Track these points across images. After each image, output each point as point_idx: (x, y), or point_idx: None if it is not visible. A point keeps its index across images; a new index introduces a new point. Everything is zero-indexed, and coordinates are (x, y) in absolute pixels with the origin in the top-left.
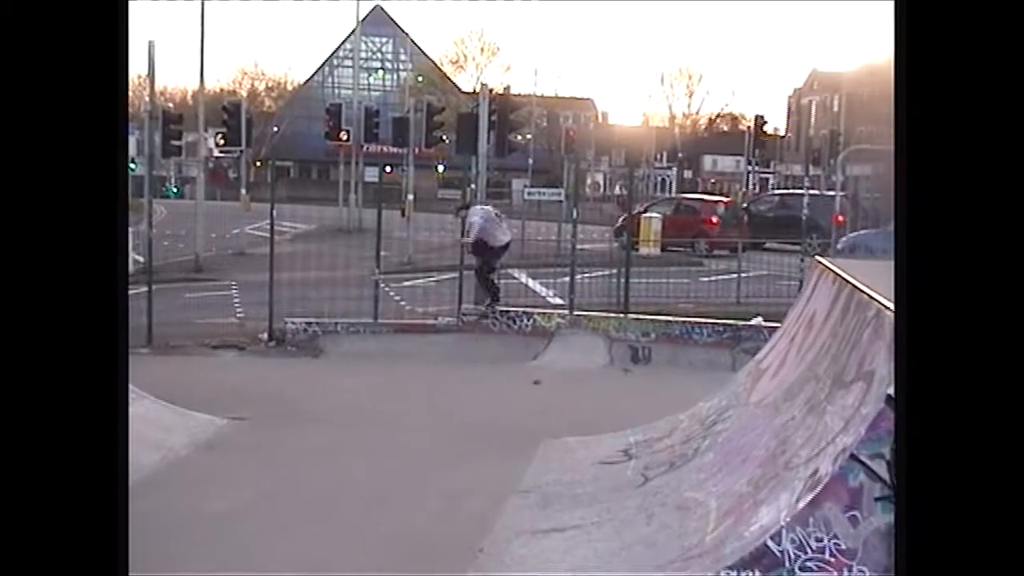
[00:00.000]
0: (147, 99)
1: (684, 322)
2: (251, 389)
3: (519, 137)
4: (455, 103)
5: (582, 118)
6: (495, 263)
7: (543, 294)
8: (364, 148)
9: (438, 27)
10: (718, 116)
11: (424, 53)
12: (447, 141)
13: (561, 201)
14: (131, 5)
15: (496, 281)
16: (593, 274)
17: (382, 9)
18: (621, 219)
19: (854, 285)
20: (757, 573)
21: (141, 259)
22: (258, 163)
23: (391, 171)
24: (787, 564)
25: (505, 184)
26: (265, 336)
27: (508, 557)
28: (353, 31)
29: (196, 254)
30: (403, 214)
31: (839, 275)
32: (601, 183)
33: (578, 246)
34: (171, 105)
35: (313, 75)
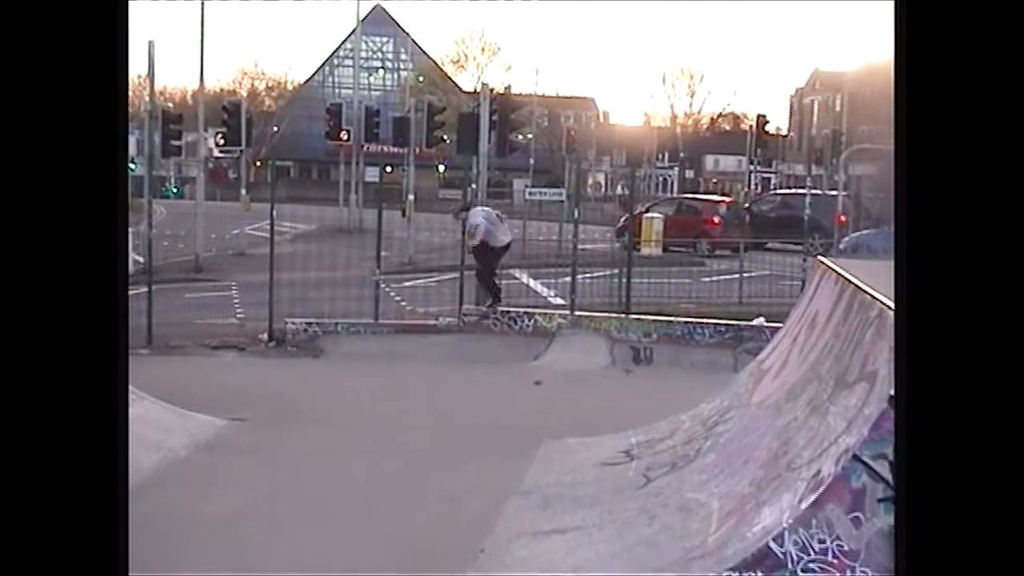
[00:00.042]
0: (147, 99)
1: (686, 322)
2: (251, 390)
3: (520, 137)
4: (456, 103)
5: (583, 118)
6: (496, 264)
7: (544, 294)
8: (365, 148)
9: (439, 26)
10: (720, 115)
11: (425, 53)
12: (448, 141)
13: (562, 201)
14: (131, 5)
15: (497, 282)
16: (595, 274)
17: (383, 8)
18: (623, 219)
19: (857, 285)
20: (759, 574)
21: (141, 259)
22: (258, 163)
23: (392, 171)
24: (790, 565)
25: (506, 184)
26: (265, 336)
27: (509, 558)
28: (354, 30)
29: (196, 254)
30: (404, 214)
31: (841, 275)
32: (603, 183)
33: (579, 246)
34: (171, 105)
35: (313, 75)
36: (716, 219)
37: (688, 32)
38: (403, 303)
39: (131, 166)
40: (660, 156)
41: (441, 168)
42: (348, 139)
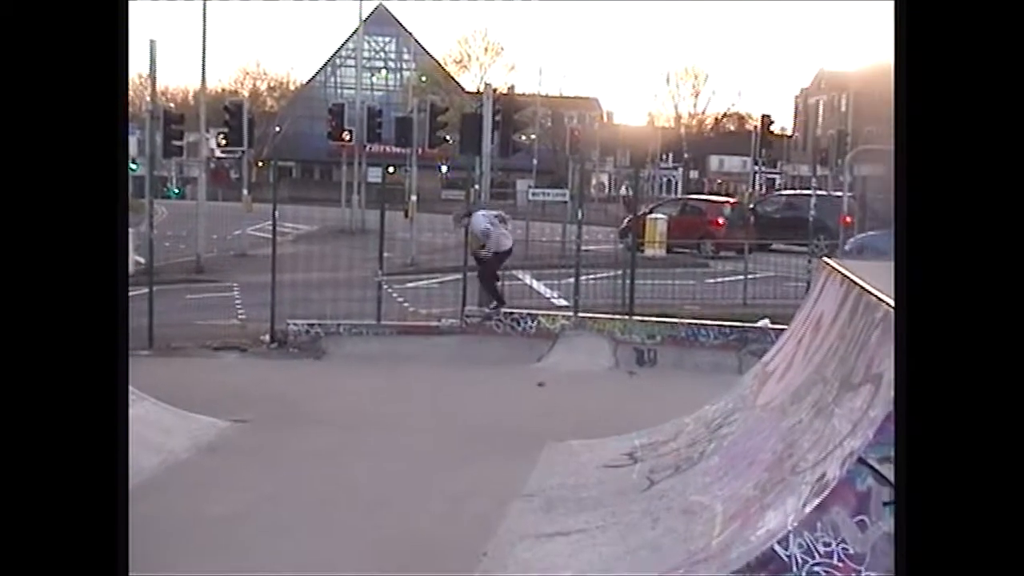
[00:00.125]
0: (148, 99)
1: (690, 324)
2: (253, 391)
3: (523, 137)
4: (459, 103)
5: (587, 118)
6: (499, 267)
7: (547, 296)
8: (367, 148)
9: (441, 26)
10: (724, 116)
11: (427, 52)
12: (451, 141)
13: (566, 202)
14: (131, 5)
15: (500, 286)
16: (598, 275)
17: (385, 8)
18: (626, 220)
19: (862, 287)
20: None
21: (142, 260)
22: (260, 163)
23: (394, 172)
24: (794, 569)
25: (509, 185)
26: (267, 338)
27: (512, 561)
28: (356, 30)
29: (197, 255)
30: (406, 215)
31: (847, 276)
32: (606, 184)
33: (583, 247)
34: (172, 105)
35: (316, 75)
36: (720, 220)
37: (692, 32)
38: (405, 304)
39: (132, 166)
40: (664, 156)
41: (444, 169)
42: (350, 139)
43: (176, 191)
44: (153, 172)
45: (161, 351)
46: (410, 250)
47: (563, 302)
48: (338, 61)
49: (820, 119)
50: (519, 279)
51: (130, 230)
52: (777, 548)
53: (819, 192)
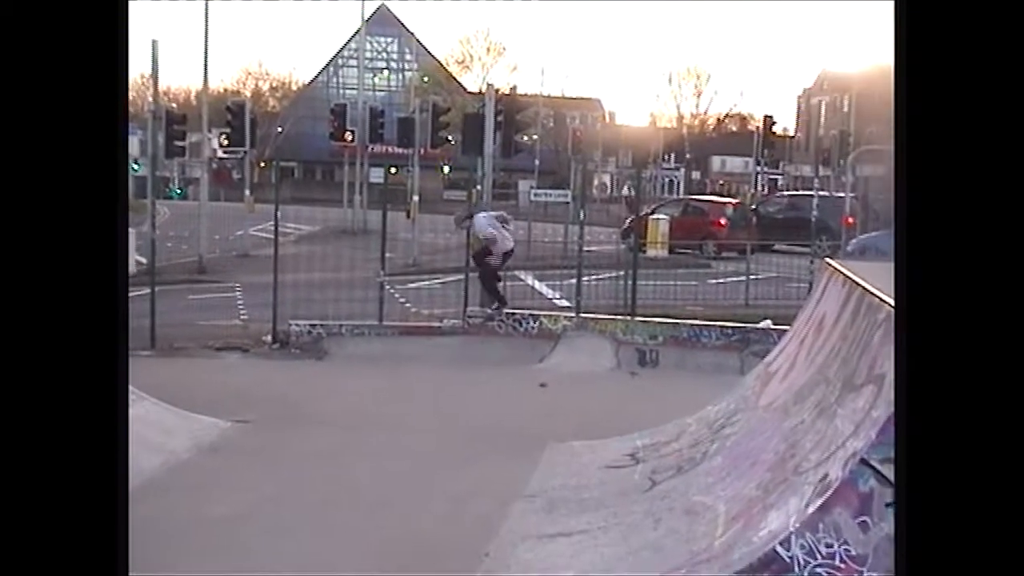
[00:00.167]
0: (151, 99)
1: (692, 325)
2: (255, 391)
3: (525, 138)
4: (461, 103)
5: (589, 118)
6: (500, 268)
7: (549, 296)
8: (369, 149)
9: (443, 27)
10: (727, 116)
11: (429, 53)
12: (453, 142)
13: (568, 202)
14: (132, 5)
15: (502, 287)
16: (600, 276)
17: (387, 8)
18: (628, 221)
19: (864, 287)
20: None
21: (144, 260)
22: (262, 164)
23: (396, 172)
24: (796, 570)
25: (511, 185)
26: (269, 338)
27: (514, 561)
28: (358, 31)
29: (200, 255)
30: (408, 215)
31: (849, 277)
32: (608, 184)
33: (585, 248)
34: (175, 105)
35: (318, 75)
36: (722, 221)
37: (695, 32)
38: (407, 305)
39: (135, 166)
40: (666, 157)
41: (446, 169)
42: (352, 140)
43: (178, 191)
44: (155, 172)
45: (163, 351)
46: (412, 250)
47: (565, 303)
48: (340, 61)
49: (822, 120)
50: (521, 280)
51: (132, 230)
52: (779, 549)
53: (821, 193)
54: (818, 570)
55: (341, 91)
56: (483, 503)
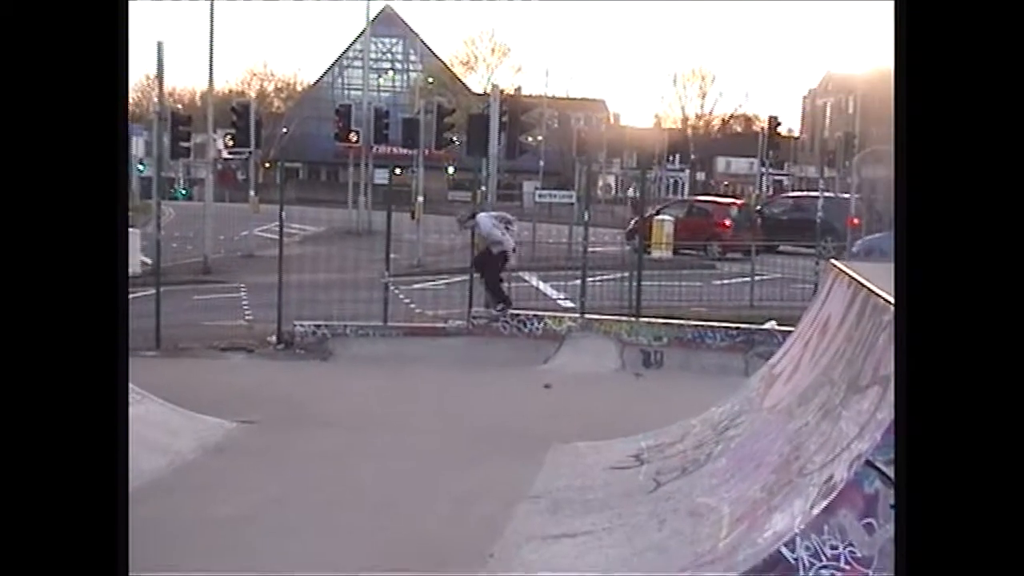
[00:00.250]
0: (156, 100)
1: (696, 326)
2: (260, 392)
3: (530, 139)
4: (466, 104)
5: (594, 119)
6: (502, 270)
7: (554, 297)
8: (374, 150)
9: (448, 28)
10: (731, 117)
11: (434, 54)
12: (457, 143)
13: (572, 203)
14: (138, 5)
15: (506, 288)
16: (604, 277)
17: (392, 9)
18: (633, 222)
19: (869, 289)
20: None
21: (149, 261)
22: (267, 164)
23: (401, 173)
24: (801, 571)
25: (516, 186)
26: (274, 339)
27: (518, 562)
28: (363, 31)
29: (205, 256)
30: (413, 216)
31: (854, 278)
32: (613, 185)
33: (589, 249)
34: (180, 106)
35: (323, 76)
36: (727, 222)
37: (699, 33)
38: (412, 305)
39: (140, 167)
40: (671, 158)
41: (450, 170)
42: (357, 141)
43: (183, 192)
44: (161, 173)
45: (168, 352)
46: (416, 251)
47: (569, 304)
48: (345, 62)
49: (828, 121)
50: (525, 281)
51: (138, 231)
52: (784, 550)
53: (826, 194)
54: (823, 572)
55: (346, 92)
56: (487, 504)
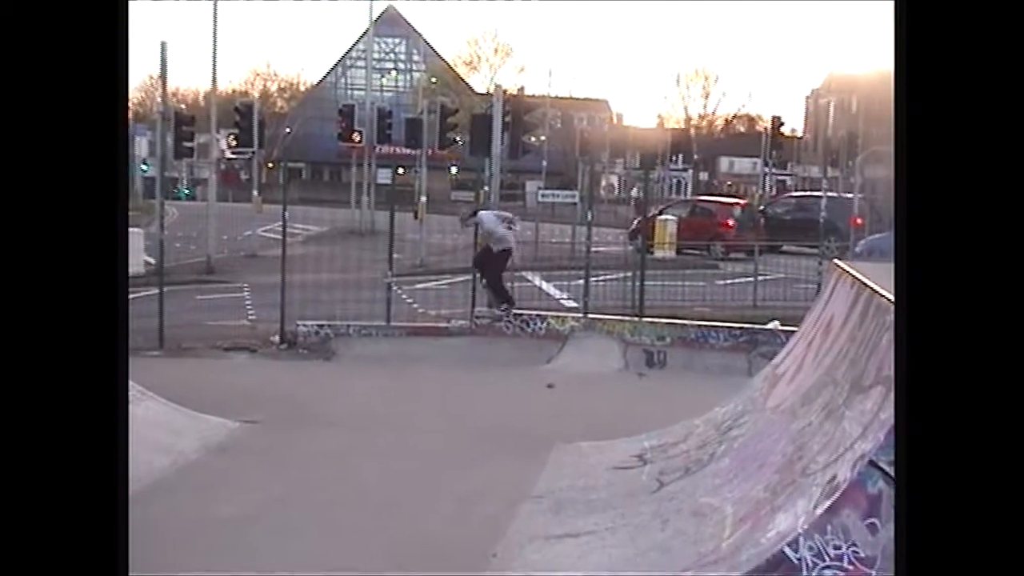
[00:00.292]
0: (159, 100)
1: (700, 326)
2: (263, 392)
3: (533, 139)
4: (469, 104)
5: (597, 119)
6: (503, 269)
7: (557, 297)
8: (377, 149)
9: (451, 28)
10: (734, 117)
11: (437, 54)
12: (460, 143)
13: (575, 203)
14: (140, 5)
15: (509, 287)
16: (608, 277)
17: (395, 9)
18: (636, 221)
19: (873, 289)
20: None
21: (153, 261)
22: (270, 164)
23: (404, 173)
24: (804, 571)
25: (519, 186)
26: (277, 338)
27: (521, 562)
28: (366, 31)
29: (208, 256)
30: (416, 216)
31: (857, 278)
32: (616, 185)
33: (592, 249)
34: (183, 106)
35: (326, 76)
36: (730, 222)
37: (702, 33)
38: (415, 305)
39: (143, 167)
40: (674, 158)
41: (453, 170)
42: (360, 141)
43: (187, 192)
44: (164, 173)
45: (172, 351)
46: (419, 251)
47: (573, 303)
48: (348, 62)
49: (831, 121)
50: (528, 281)
51: (141, 231)
52: (787, 550)
53: (830, 194)
54: (826, 572)
55: (349, 92)
56: (491, 504)
